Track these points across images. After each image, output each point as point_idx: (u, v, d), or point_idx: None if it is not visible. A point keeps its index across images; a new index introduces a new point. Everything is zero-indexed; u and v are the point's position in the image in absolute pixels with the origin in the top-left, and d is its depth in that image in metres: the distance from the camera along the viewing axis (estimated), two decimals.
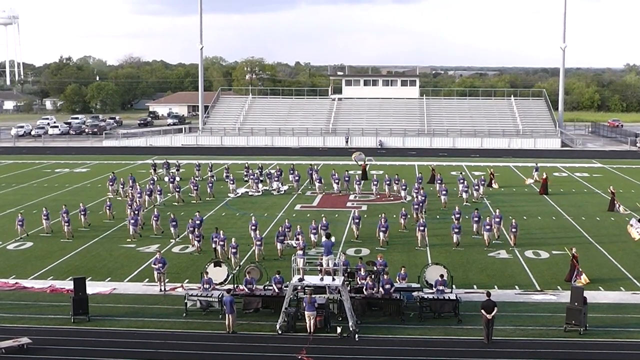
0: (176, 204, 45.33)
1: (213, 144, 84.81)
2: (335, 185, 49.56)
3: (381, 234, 34.53)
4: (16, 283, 28.87)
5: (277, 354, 21.87)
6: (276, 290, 25.50)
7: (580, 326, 23.17)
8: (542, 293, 27.49)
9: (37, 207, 43.54)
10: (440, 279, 25.66)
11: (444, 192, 44.03)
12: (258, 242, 32.29)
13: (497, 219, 35.52)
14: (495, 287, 27.83)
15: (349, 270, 26.33)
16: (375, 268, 26.70)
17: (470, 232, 35.94)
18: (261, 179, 51.80)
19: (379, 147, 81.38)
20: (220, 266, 27.70)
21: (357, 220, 35.94)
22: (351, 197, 48.00)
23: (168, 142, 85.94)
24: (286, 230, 33.59)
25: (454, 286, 26.26)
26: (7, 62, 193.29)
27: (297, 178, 50.96)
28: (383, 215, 35.72)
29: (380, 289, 25.29)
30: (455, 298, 24.99)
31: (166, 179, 51.34)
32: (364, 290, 25.44)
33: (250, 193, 49.40)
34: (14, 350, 21.73)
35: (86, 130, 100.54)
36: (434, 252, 33.41)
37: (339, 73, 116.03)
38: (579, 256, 29.53)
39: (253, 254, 32.39)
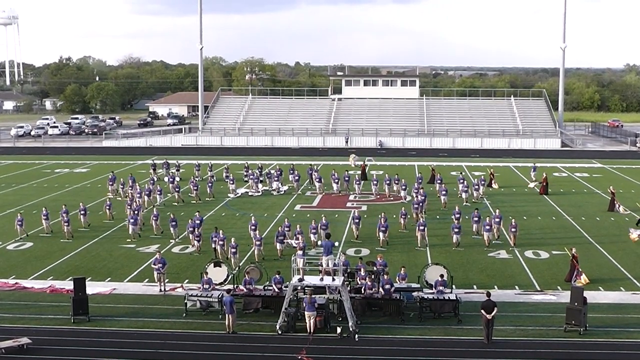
0: (176, 204, 45.33)
1: (213, 144, 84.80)
2: (335, 186, 49.56)
3: (381, 234, 34.53)
4: (16, 283, 28.87)
5: (277, 354, 21.86)
6: (276, 290, 25.50)
7: (580, 326, 23.16)
8: (542, 293, 27.49)
9: (37, 207, 43.54)
10: (440, 279, 25.66)
11: (443, 192, 44.03)
12: (258, 242, 32.28)
13: (497, 219, 35.52)
14: (495, 287, 27.83)
15: (349, 270, 26.34)
16: (375, 268, 26.70)
17: (470, 232, 35.94)
18: (261, 179, 51.81)
19: (379, 147, 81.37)
20: (220, 266, 27.70)
21: (357, 221, 35.94)
22: (351, 197, 48.00)
23: (168, 143, 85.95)
24: (285, 230, 33.59)
25: (454, 286, 26.26)
26: (7, 62, 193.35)
27: (297, 178, 50.97)
28: (383, 215, 35.73)
29: (380, 289, 25.29)
30: (455, 298, 24.99)
31: (166, 179, 51.34)
32: (362, 290, 25.45)
33: (250, 193, 49.40)
34: (14, 351, 21.73)
35: (86, 130, 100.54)
36: (434, 252, 33.40)
37: (339, 73, 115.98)
38: (578, 256, 29.53)
39: (253, 254, 32.39)
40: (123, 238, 36.22)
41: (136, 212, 37.76)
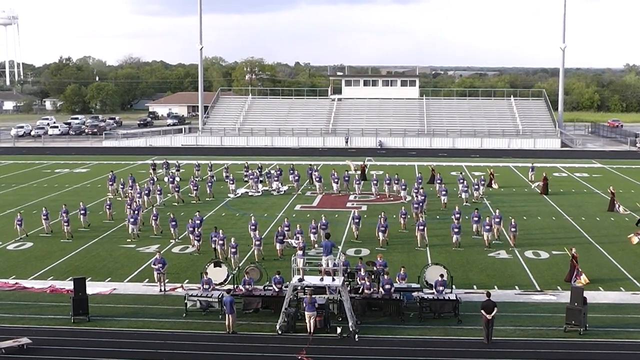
0: (176, 204, 45.33)
1: (213, 144, 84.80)
2: (334, 186, 49.56)
3: (381, 234, 34.52)
4: (16, 283, 28.87)
5: (277, 354, 21.86)
6: (276, 290, 25.50)
7: (580, 326, 23.16)
8: (542, 293, 27.49)
9: (36, 207, 43.54)
10: (440, 279, 25.65)
11: (443, 192, 44.03)
12: (258, 243, 32.27)
13: (497, 219, 35.52)
14: (495, 287, 27.83)
15: (349, 270, 26.34)
16: (375, 268, 26.69)
17: (470, 232, 35.94)
18: (261, 179, 51.81)
19: (379, 147, 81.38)
20: (220, 266, 27.69)
21: (357, 221, 35.94)
22: (351, 197, 48.00)
23: (168, 143, 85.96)
24: (285, 229, 33.59)
25: (453, 286, 26.26)
26: (6, 63, 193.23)
27: (297, 178, 50.97)
28: (383, 215, 35.72)
29: (380, 289, 25.29)
30: (455, 298, 24.99)
31: (166, 179, 51.35)
32: (361, 290, 25.45)
33: (250, 193, 49.40)
34: (14, 351, 21.73)
35: (86, 130, 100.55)
36: (433, 252, 33.40)
37: (339, 73, 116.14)
38: (578, 256, 29.53)
39: (253, 254, 32.39)
40: (123, 238, 36.22)
41: (136, 212, 37.76)
